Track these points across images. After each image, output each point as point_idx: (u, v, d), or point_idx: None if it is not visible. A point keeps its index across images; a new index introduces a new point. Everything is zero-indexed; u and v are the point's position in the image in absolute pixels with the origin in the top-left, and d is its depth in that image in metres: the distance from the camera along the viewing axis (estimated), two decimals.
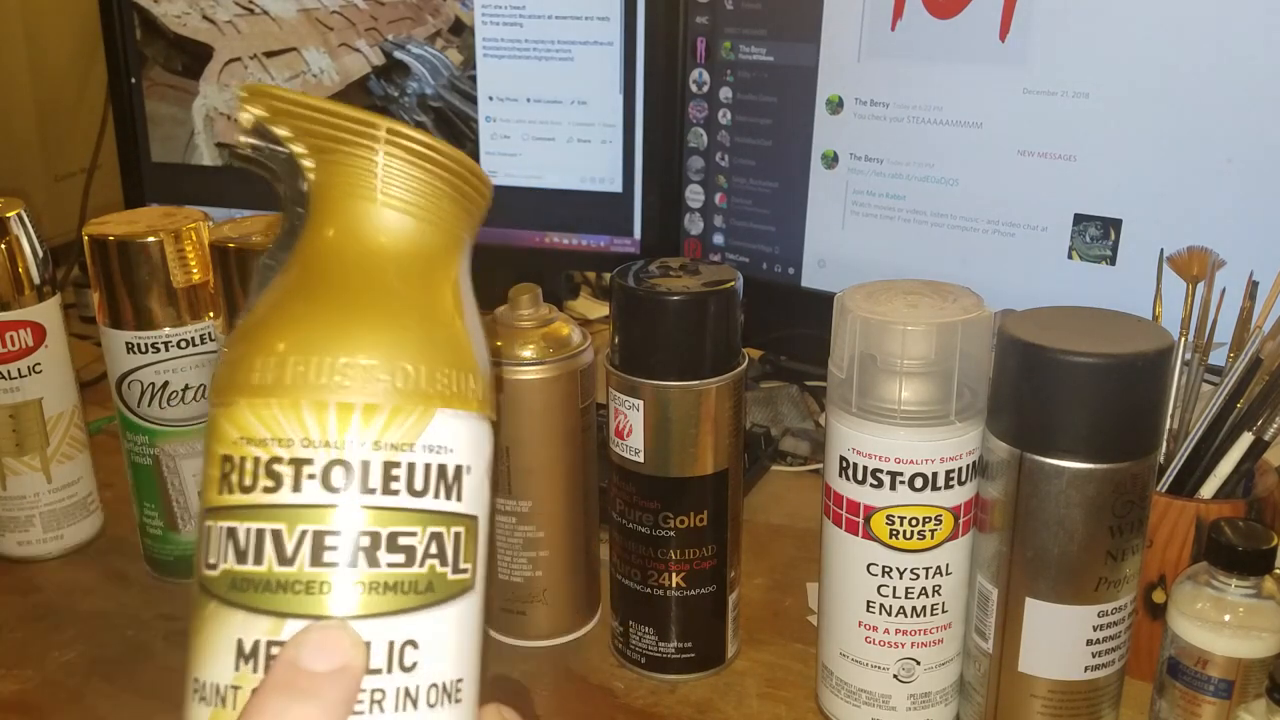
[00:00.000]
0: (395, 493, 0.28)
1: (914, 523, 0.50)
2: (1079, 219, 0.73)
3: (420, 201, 0.30)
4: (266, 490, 0.27)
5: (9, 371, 0.68)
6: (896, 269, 0.81)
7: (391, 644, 0.27)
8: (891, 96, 0.79)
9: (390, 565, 0.27)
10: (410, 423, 0.28)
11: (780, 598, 0.68)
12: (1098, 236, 0.72)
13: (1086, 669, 0.50)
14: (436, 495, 0.28)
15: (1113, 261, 0.72)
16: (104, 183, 1.13)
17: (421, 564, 0.28)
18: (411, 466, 0.28)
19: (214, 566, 0.28)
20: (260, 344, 0.28)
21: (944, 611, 0.52)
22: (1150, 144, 0.69)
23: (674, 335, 0.54)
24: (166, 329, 0.65)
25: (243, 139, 0.30)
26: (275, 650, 0.27)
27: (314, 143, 0.29)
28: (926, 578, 0.51)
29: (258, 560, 0.27)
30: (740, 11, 0.85)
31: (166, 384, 0.66)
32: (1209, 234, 0.66)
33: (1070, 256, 0.73)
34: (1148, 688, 0.55)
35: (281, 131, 0.29)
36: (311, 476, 0.27)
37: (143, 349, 0.65)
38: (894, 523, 0.51)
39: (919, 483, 0.50)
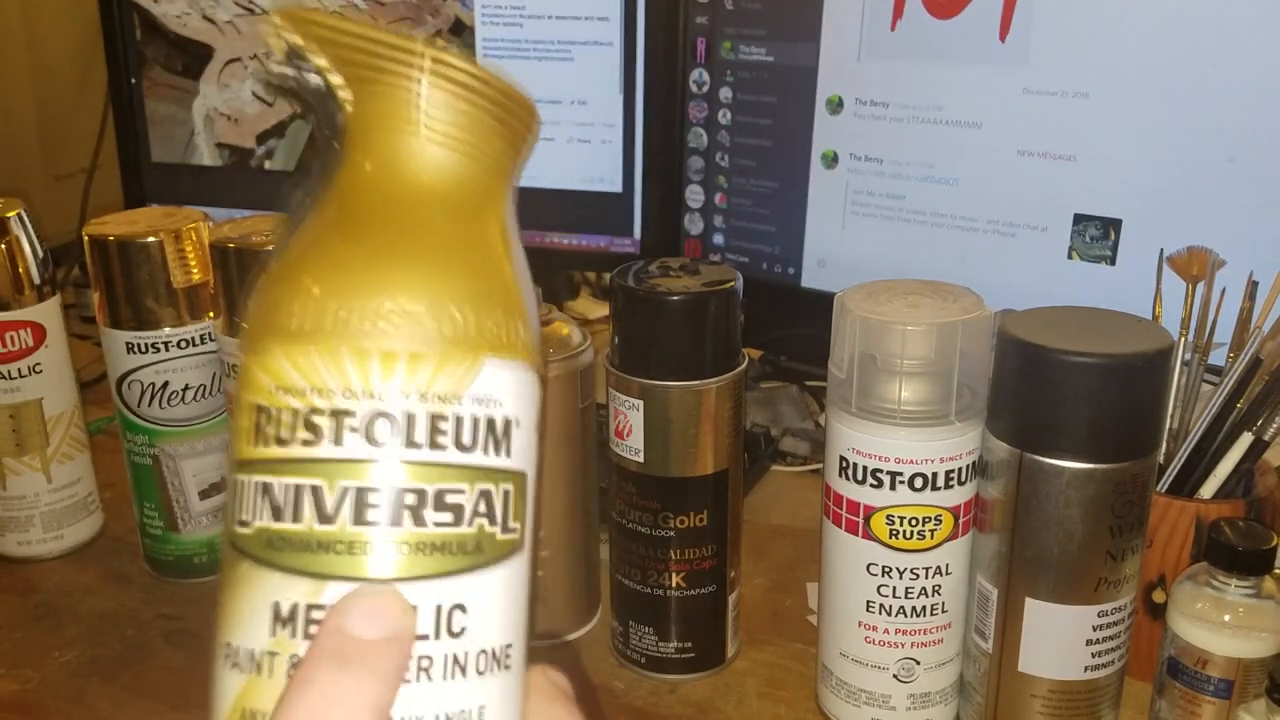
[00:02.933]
0: (442, 447, 0.26)
1: (914, 523, 0.50)
2: (1079, 219, 0.73)
3: (466, 136, 0.28)
4: (305, 443, 0.26)
5: (9, 372, 0.68)
6: (896, 269, 0.80)
7: (439, 608, 0.26)
8: (891, 96, 0.79)
9: (437, 524, 0.26)
10: (458, 373, 0.26)
11: (780, 598, 0.68)
12: (1098, 236, 0.72)
13: (1086, 669, 0.50)
14: (485, 450, 0.27)
15: (1113, 261, 0.72)
16: (104, 183, 1.13)
17: (470, 523, 0.26)
18: (459, 419, 0.26)
19: (247, 524, 0.26)
20: (297, 287, 0.27)
21: (944, 611, 0.52)
22: (1150, 144, 0.69)
23: (674, 335, 0.54)
24: (166, 329, 0.65)
25: (275, 67, 0.28)
26: (315, 614, 0.25)
27: (352, 71, 0.27)
28: (926, 578, 0.51)
29: (296, 518, 0.25)
30: (740, 11, 0.85)
31: (166, 384, 0.66)
32: (1209, 234, 0.66)
33: (1070, 256, 0.73)
34: (1148, 688, 0.55)
35: (317, 59, 0.27)
36: (354, 429, 0.25)
37: (143, 349, 0.65)
38: (894, 523, 0.51)
39: (919, 483, 0.50)
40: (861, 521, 0.51)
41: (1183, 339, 0.59)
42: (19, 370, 0.68)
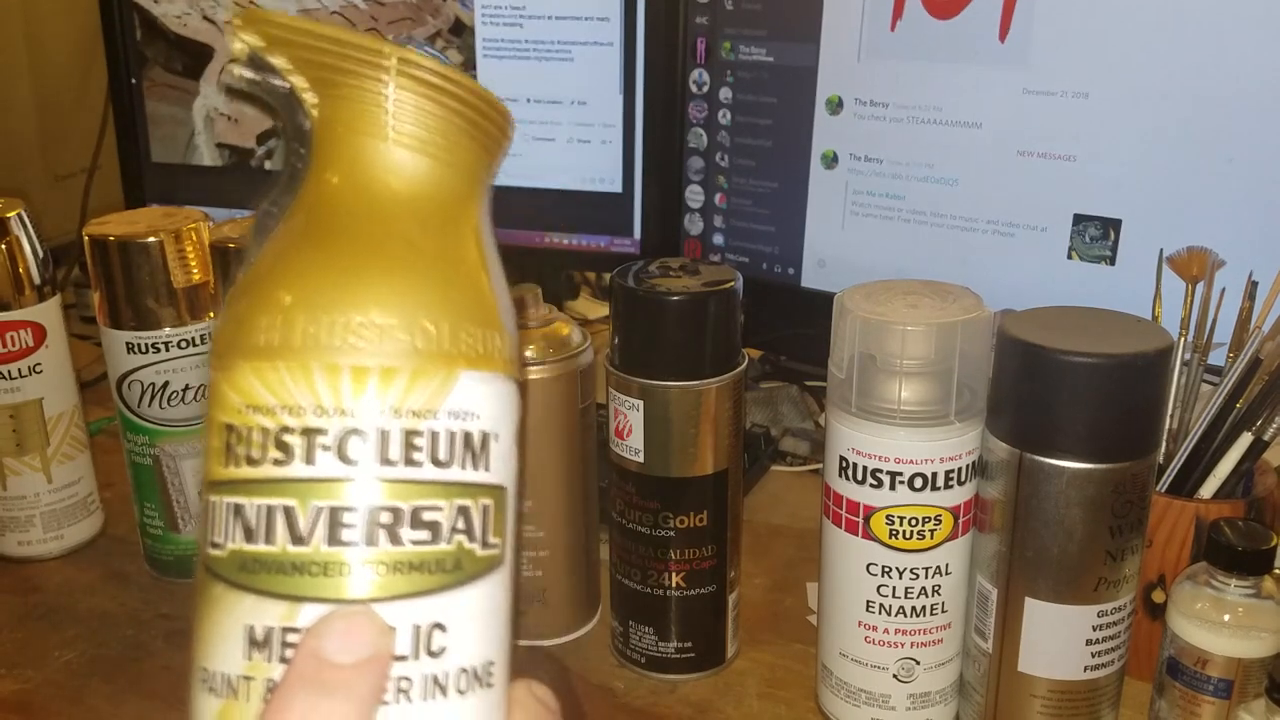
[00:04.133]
0: (418, 464, 0.25)
1: (913, 523, 0.51)
2: (1078, 219, 0.73)
3: (436, 140, 0.27)
4: (276, 463, 0.25)
5: (9, 372, 0.68)
6: (896, 269, 0.81)
7: (417, 628, 0.25)
8: (891, 97, 0.79)
9: (414, 543, 0.25)
10: (433, 387, 0.26)
11: (780, 598, 0.68)
12: (1097, 236, 0.72)
13: (1086, 669, 0.50)
14: (463, 465, 0.26)
15: (1112, 261, 0.72)
16: (104, 183, 1.13)
17: (448, 540, 0.26)
18: (434, 435, 0.25)
19: (220, 546, 0.25)
20: (264, 301, 0.26)
21: (943, 611, 0.52)
22: (1150, 144, 0.69)
23: (674, 335, 0.55)
24: (167, 329, 0.65)
25: (237, 71, 0.27)
26: (290, 637, 0.24)
27: (316, 74, 0.26)
28: (926, 578, 0.51)
29: (269, 540, 0.25)
30: (740, 12, 0.85)
31: (167, 384, 0.66)
32: (1209, 234, 0.66)
33: (1070, 256, 0.73)
34: (1147, 688, 0.55)
35: (279, 62, 0.26)
36: (326, 448, 0.25)
37: (143, 349, 0.65)
38: (894, 523, 0.51)
39: (918, 483, 0.50)
40: (861, 521, 0.51)
41: (1182, 339, 0.59)
42: (19, 370, 0.68)
